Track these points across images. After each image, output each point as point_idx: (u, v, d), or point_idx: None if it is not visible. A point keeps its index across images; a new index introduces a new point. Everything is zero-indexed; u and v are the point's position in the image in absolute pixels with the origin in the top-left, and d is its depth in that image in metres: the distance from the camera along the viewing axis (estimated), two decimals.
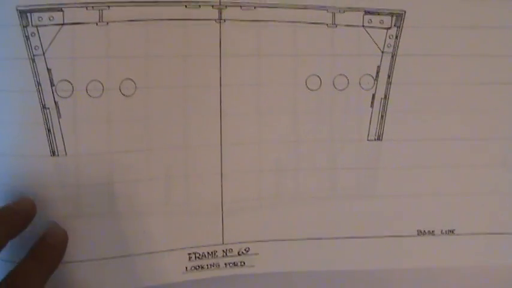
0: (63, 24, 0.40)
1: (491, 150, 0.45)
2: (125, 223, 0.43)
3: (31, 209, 0.40)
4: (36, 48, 0.40)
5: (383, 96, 0.44)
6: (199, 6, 0.42)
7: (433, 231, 0.46)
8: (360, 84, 0.44)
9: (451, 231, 0.46)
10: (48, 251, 0.40)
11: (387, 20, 0.44)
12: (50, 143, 0.41)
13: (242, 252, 0.44)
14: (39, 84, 0.40)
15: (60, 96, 0.41)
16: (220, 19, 0.42)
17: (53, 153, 0.41)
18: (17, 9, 0.39)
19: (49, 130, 0.41)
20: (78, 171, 0.41)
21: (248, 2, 0.42)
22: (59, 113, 0.41)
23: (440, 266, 0.46)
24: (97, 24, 0.41)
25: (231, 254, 0.44)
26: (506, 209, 0.46)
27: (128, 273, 0.43)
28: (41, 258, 0.39)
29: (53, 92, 0.41)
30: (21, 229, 0.40)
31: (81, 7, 0.40)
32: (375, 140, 0.45)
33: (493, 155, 0.46)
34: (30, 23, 0.40)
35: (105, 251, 0.42)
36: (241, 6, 0.42)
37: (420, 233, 0.46)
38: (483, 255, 0.46)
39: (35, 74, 0.40)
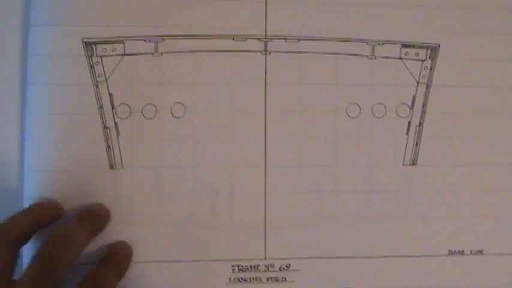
0: (124, 54, 0.45)
1: None
2: (172, 231, 0.46)
3: (107, 212, 0.45)
4: (100, 75, 0.45)
5: (418, 124, 0.47)
6: (246, 39, 0.45)
7: (463, 251, 0.48)
8: (396, 112, 0.47)
9: (480, 252, 0.48)
10: (120, 258, 0.44)
11: (422, 53, 0.46)
12: (109, 158, 0.45)
13: (283, 267, 0.47)
14: (101, 107, 0.45)
15: (120, 118, 0.45)
16: (266, 50, 0.46)
17: (112, 167, 0.45)
18: (82, 41, 0.44)
19: (109, 147, 0.45)
20: (132, 183, 0.46)
21: (292, 36, 0.46)
22: (118, 131, 0.45)
23: (470, 284, 0.48)
24: (153, 55, 0.45)
25: (272, 269, 0.47)
26: None
27: (172, 278, 0.46)
28: (114, 265, 0.44)
29: (113, 114, 0.45)
30: (102, 230, 0.45)
31: (140, 40, 0.45)
32: (410, 165, 0.47)
33: None
34: (94, 53, 0.44)
35: (152, 255, 0.46)
36: (285, 39, 0.46)
37: (451, 253, 0.48)
38: (511, 274, 0.48)
39: (98, 98, 0.45)
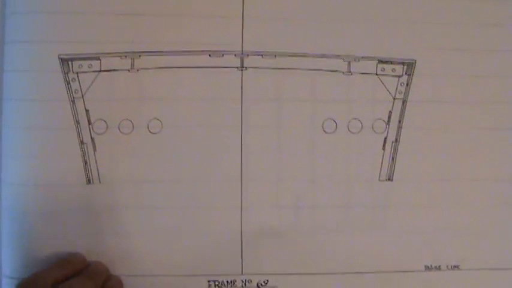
0: (100, 71, 0.45)
1: (495, 190, 0.48)
2: (149, 245, 0.46)
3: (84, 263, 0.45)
4: (76, 91, 0.45)
5: (394, 140, 0.47)
6: (223, 55, 0.46)
7: (439, 267, 0.48)
8: (372, 128, 0.47)
9: (457, 267, 0.48)
10: (97, 272, 0.45)
11: (399, 69, 0.47)
12: (86, 173, 0.46)
13: (261, 284, 0.47)
14: (78, 122, 0.45)
15: (96, 133, 0.46)
16: (242, 67, 0.46)
17: (89, 182, 0.46)
18: (58, 57, 0.44)
19: (86, 162, 0.46)
20: (109, 197, 0.46)
21: (269, 52, 0.46)
22: (95, 147, 0.46)
23: None
24: (129, 71, 0.45)
25: (249, 285, 0.47)
26: (509, 246, 0.49)
27: None
28: (91, 276, 0.44)
29: (90, 129, 0.45)
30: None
31: (116, 56, 0.45)
32: (386, 180, 0.48)
33: (496, 194, 0.48)
34: (71, 69, 0.45)
35: (129, 269, 0.46)
36: (262, 55, 0.46)
37: (427, 268, 0.48)
38: None
39: (74, 113, 0.45)
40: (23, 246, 0.45)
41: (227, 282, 0.47)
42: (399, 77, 0.47)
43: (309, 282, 0.47)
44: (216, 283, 0.47)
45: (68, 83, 0.45)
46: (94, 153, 0.46)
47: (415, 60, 0.47)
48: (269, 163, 0.47)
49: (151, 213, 0.46)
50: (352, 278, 0.48)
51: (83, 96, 0.45)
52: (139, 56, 0.45)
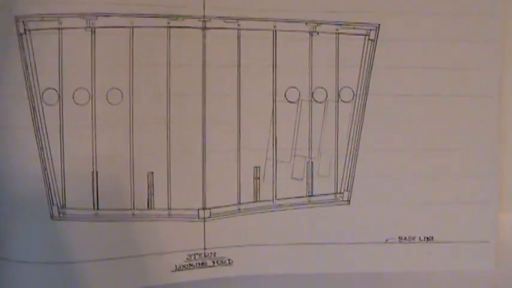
0: (57, 28, 0.44)
1: (467, 160, 0.48)
2: (110, 226, 0.45)
3: None
4: (29, 56, 0.43)
5: (360, 108, 0.47)
6: (183, 19, 0.45)
7: (413, 238, 0.47)
8: (338, 96, 0.47)
9: (431, 238, 0.48)
10: None
11: (361, 32, 0.47)
12: (38, 146, 0.44)
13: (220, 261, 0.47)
14: (30, 90, 0.44)
15: (47, 104, 0.44)
16: (205, 27, 0.45)
17: (41, 158, 0.44)
18: (15, 17, 0.43)
19: (37, 135, 0.44)
20: (64, 174, 0.44)
21: (230, 16, 0.46)
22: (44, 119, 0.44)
23: (421, 271, 0.48)
24: (85, 29, 0.44)
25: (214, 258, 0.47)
26: (483, 218, 0.48)
27: (111, 275, 0.45)
28: None
29: (40, 100, 0.44)
30: None
31: (73, 17, 0.44)
32: (353, 150, 0.47)
33: (469, 165, 0.48)
34: (24, 30, 0.43)
35: (93, 254, 0.45)
36: (224, 20, 0.45)
37: (401, 239, 0.47)
38: (460, 261, 0.48)
39: (27, 80, 0.43)
40: None
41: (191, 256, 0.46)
42: (365, 37, 0.47)
43: (269, 254, 0.47)
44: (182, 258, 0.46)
45: (22, 47, 0.43)
46: (45, 126, 0.44)
47: (379, 25, 0.47)
48: (230, 133, 0.46)
49: (107, 192, 0.45)
50: (321, 248, 0.47)
51: (35, 62, 0.43)
52: (97, 17, 0.44)
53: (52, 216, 0.44)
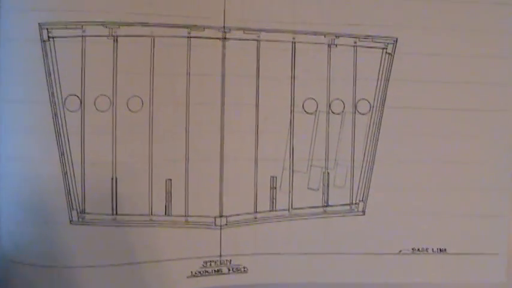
0: (80, 36, 0.45)
1: (481, 173, 0.49)
2: (128, 232, 0.46)
3: None
4: (52, 63, 0.45)
5: (377, 120, 0.48)
6: (204, 29, 0.46)
7: (426, 249, 0.48)
8: (355, 108, 0.48)
9: (444, 250, 0.48)
10: None
11: (379, 46, 0.48)
12: (59, 151, 0.45)
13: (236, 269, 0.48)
14: (52, 96, 0.45)
15: (69, 110, 0.45)
16: (225, 38, 0.46)
17: (62, 163, 0.45)
18: (39, 25, 0.44)
19: (58, 141, 0.45)
20: (83, 181, 0.46)
21: (251, 28, 0.47)
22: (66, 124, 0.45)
23: (434, 283, 0.49)
24: (107, 38, 0.45)
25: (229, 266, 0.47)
26: (494, 231, 0.49)
27: (128, 281, 0.46)
28: None
29: (63, 106, 0.45)
30: None
31: (97, 25, 0.45)
32: (369, 161, 0.48)
33: (482, 178, 0.49)
34: (48, 37, 0.45)
35: (111, 259, 0.46)
36: (244, 31, 0.47)
37: (415, 250, 0.48)
38: (472, 273, 0.49)
39: (49, 87, 0.45)
40: None
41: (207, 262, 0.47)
42: (383, 53, 0.48)
43: (284, 263, 0.48)
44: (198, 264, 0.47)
45: (45, 54, 0.45)
46: (66, 132, 0.45)
47: (397, 38, 0.48)
48: (248, 142, 0.47)
49: (126, 198, 0.46)
50: (334, 258, 0.48)
51: (58, 69, 0.45)
52: (119, 26, 0.45)
53: (71, 221, 0.45)
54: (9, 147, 0.45)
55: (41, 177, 0.45)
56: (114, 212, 0.46)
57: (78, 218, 0.45)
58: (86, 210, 0.46)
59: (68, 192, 0.45)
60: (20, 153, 0.45)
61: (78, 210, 0.45)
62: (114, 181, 0.46)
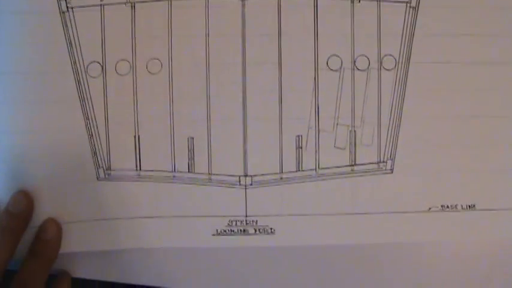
0: (99, 5, 0.46)
1: (510, 128, 0.48)
2: (152, 187, 0.47)
3: (28, 206, 0.46)
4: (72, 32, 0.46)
5: (403, 76, 0.47)
6: None
7: (456, 206, 0.48)
8: (381, 64, 0.47)
9: (473, 206, 0.48)
10: (44, 246, 0.46)
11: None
12: (84, 115, 0.47)
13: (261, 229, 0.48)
14: (75, 64, 0.46)
15: (91, 76, 0.46)
16: None
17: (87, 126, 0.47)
18: None
19: (83, 107, 0.46)
20: (108, 140, 0.47)
21: None
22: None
23: (463, 238, 0.49)
24: (125, 5, 0.46)
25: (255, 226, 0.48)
26: None
27: (156, 232, 0.48)
28: (39, 255, 0.45)
29: (85, 73, 0.46)
30: (23, 231, 0.45)
31: None
32: (396, 118, 0.47)
33: (511, 133, 0.48)
34: (67, 8, 0.45)
35: (137, 212, 0.47)
36: None
37: (444, 207, 0.48)
38: (503, 230, 0.49)
39: (71, 55, 0.46)
40: None
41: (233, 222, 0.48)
42: (407, 4, 0.46)
43: (311, 223, 0.48)
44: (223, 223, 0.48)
45: (65, 24, 0.45)
46: (90, 96, 0.46)
47: None
48: (271, 102, 0.47)
49: (149, 156, 0.47)
50: (363, 219, 0.48)
51: (78, 38, 0.46)
52: None
53: (98, 177, 0.47)
54: (35, 119, 0.46)
55: (69, 140, 0.46)
56: (138, 168, 0.47)
57: (104, 175, 0.47)
58: (112, 168, 0.47)
59: (94, 152, 0.47)
60: (47, 124, 0.46)
61: (104, 167, 0.47)
62: (137, 139, 0.47)
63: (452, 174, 0.48)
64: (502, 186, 0.48)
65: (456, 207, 0.48)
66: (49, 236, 0.45)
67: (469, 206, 0.48)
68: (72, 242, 0.47)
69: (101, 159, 0.47)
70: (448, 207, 0.48)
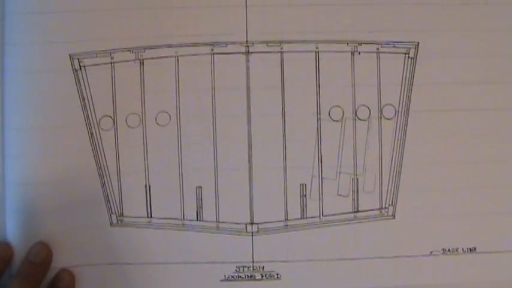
0: (109, 63, 0.49)
1: (508, 171, 0.50)
2: (162, 234, 0.50)
3: (48, 256, 0.49)
4: (85, 89, 0.49)
5: (403, 124, 0.50)
6: (226, 45, 0.49)
7: (457, 249, 0.50)
8: (381, 113, 0.50)
9: (474, 249, 0.50)
10: (33, 269, 0.48)
11: (402, 51, 0.50)
12: (97, 166, 0.50)
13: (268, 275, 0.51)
14: (87, 118, 0.49)
15: (103, 129, 0.50)
16: (248, 52, 0.49)
17: (102, 180, 0.50)
18: (69, 56, 0.49)
19: (96, 158, 0.50)
20: (119, 188, 0.50)
21: (273, 40, 0.49)
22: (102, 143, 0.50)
23: (464, 282, 0.51)
24: (134, 62, 0.49)
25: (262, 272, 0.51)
26: None
27: (162, 279, 0.51)
28: (29, 277, 0.48)
29: (98, 126, 0.50)
30: (44, 278, 0.49)
31: (123, 51, 0.49)
32: (397, 165, 0.50)
33: (509, 176, 0.50)
34: (80, 67, 0.49)
35: (148, 258, 0.50)
36: (267, 44, 0.49)
37: (445, 251, 0.50)
38: (503, 272, 0.51)
39: (84, 110, 0.49)
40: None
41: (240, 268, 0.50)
42: (405, 57, 0.49)
43: (317, 268, 0.50)
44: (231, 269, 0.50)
45: (78, 82, 0.49)
46: (102, 148, 0.50)
47: (418, 43, 0.49)
48: (276, 152, 0.50)
49: (160, 205, 0.50)
50: (365, 263, 0.50)
51: (91, 94, 0.49)
52: (144, 50, 0.49)
53: (111, 223, 0.50)
54: (50, 170, 0.49)
55: (83, 188, 0.50)
56: (149, 216, 0.50)
57: (117, 221, 0.50)
58: (124, 214, 0.50)
59: (107, 200, 0.50)
60: (61, 174, 0.49)
61: (117, 214, 0.50)
62: (148, 188, 0.50)
63: (452, 218, 0.50)
64: (502, 229, 0.50)
65: (457, 251, 0.50)
66: (63, 285, 0.49)
67: (470, 249, 0.50)
68: (84, 286, 0.50)
69: (113, 206, 0.50)
70: (449, 250, 0.50)
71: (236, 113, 0.50)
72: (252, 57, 0.49)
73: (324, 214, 0.50)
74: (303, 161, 0.50)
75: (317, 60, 0.49)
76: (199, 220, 0.50)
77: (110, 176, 0.50)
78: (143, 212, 0.50)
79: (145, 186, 0.50)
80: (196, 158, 0.50)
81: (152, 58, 0.49)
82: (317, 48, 0.49)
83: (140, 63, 0.49)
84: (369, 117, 0.50)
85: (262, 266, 0.50)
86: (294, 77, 0.50)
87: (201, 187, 0.50)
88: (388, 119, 0.50)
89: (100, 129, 0.49)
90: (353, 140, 0.50)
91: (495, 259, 0.50)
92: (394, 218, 0.50)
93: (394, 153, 0.50)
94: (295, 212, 0.50)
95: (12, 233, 0.49)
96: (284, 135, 0.50)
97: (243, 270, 0.50)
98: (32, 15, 0.49)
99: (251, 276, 0.50)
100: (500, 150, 0.50)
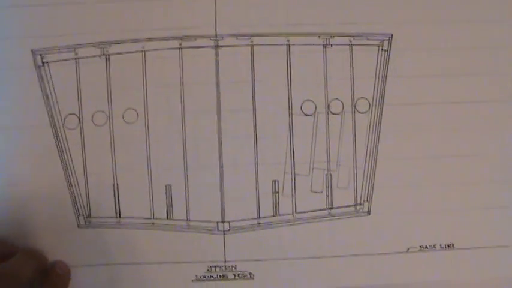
0: (74, 59, 0.50)
1: (485, 166, 0.51)
2: (131, 233, 0.51)
3: (69, 270, 0.51)
4: (48, 86, 0.50)
5: (377, 118, 0.51)
6: (195, 39, 0.50)
7: (434, 246, 0.51)
8: (354, 107, 0.51)
9: (452, 246, 0.51)
10: (58, 278, 0.50)
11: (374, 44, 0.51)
12: (63, 166, 0.50)
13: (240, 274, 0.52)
14: (52, 118, 0.50)
15: (68, 128, 0.50)
16: (217, 46, 0.50)
17: (69, 181, 0.50)
18: (31, 51, 0.49)
19: (62, 159, 0.50)
20: (87, 189, 0.51)
21: (243, 33, 0.50)
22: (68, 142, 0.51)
23: (442, 279, 0.51)
24: (100, 57, 0.50)
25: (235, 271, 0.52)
26: (503, 223, 0.52)
27: (134, 280, 0.51)
28: (53, 284, 0.49)
29: (62, 125, 0.50)
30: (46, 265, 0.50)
31: (88, 47, 0.50)
32: (371, 160, 0.51)
33: (486, 170, 0.51)
34: (42, 63, 0.49)
35: (117, 258, 0.51)
36: (237, 37, 0.50)
37: (423, 248, 0.51)
38: (482, 268, 0.52)
39: (48, 109, 0.50)
40: None
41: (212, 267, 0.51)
42: (379, 47, 0.50)
43: (290, 268, 0.51)
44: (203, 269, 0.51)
45: (41, 79, 0.50)
46: (68, 148, 0.50)
47: (392, 34, 0.51)
48: (247, 148, 0.51)
49: (127, 204, 0.51)
50: (342, 261, 0.51)
51: (55, 91, 0.50)
52: (110, 45, 0.50)
53: (79, 226, 0.51)
54: (15, 171, 0.50)
55: (49, 191, 0.50)
56: (118, 215, 0.51)
57: (85, 222, 0.51)
58: (92, 215, 0.51)
59: (74, 201, 0.51)
60: (26, 176, 0.50)
61: (84, 215, 0.51)
62: (116, 187, 0.51)
63: (429, 214, 0.51)
64: (480, 225, 0.52)
65: (435, 247, 0.51)
66: (63, 271, 0.50)
67: (448, 246, 0.51)
68: None
69: (80, 207, 0.51)
70: (426, 247, 0.51)
71: (206, 109, 0.51)
72: (221, 51, 0.50)
73: (297, 211, 0.51)
74: (275, 157, 0.51)
75: (288, 53, 0.50)
76: (169, 219, 0.51)
77: (76, 177, 0.51)
78: (112, 211, 0.51)
79: (113, 185, 0.51)
80: (165, 156, 0.51)
81: (118, 53, 0.50)
82: (288, 41, 0.50)
83: (106, 58, 0.50)
84: (342, 111, 0.51)
85: (234, 265, 0.51)
86: (264, 71, 0.51)
87: (170, 185, 0.51)
88: (361, 112, 0.51)
89: (65, 128, 0.50)
90: (326, 134, 0.51)
91: (474, 255, 0.51)
92: (369, 214, 0.51)
93: (369, 148, 0.51)
94: (267, 209, 0.51)
95: None
96: (255, 130, 0.51)
97: (215, 269, 0.51)
98: None
99: (223, 276, 0.51)
100: (477, 144, 0.51)
